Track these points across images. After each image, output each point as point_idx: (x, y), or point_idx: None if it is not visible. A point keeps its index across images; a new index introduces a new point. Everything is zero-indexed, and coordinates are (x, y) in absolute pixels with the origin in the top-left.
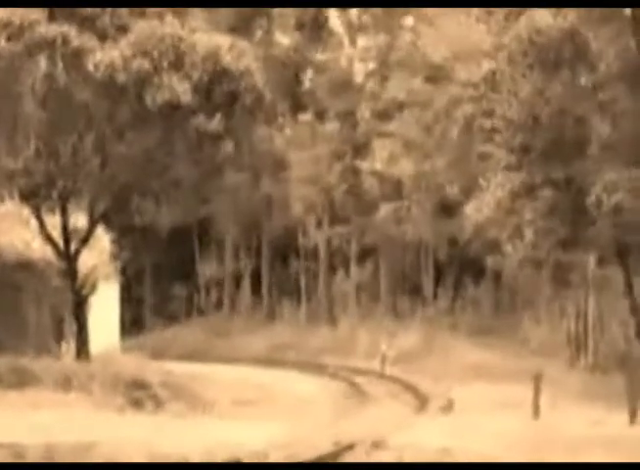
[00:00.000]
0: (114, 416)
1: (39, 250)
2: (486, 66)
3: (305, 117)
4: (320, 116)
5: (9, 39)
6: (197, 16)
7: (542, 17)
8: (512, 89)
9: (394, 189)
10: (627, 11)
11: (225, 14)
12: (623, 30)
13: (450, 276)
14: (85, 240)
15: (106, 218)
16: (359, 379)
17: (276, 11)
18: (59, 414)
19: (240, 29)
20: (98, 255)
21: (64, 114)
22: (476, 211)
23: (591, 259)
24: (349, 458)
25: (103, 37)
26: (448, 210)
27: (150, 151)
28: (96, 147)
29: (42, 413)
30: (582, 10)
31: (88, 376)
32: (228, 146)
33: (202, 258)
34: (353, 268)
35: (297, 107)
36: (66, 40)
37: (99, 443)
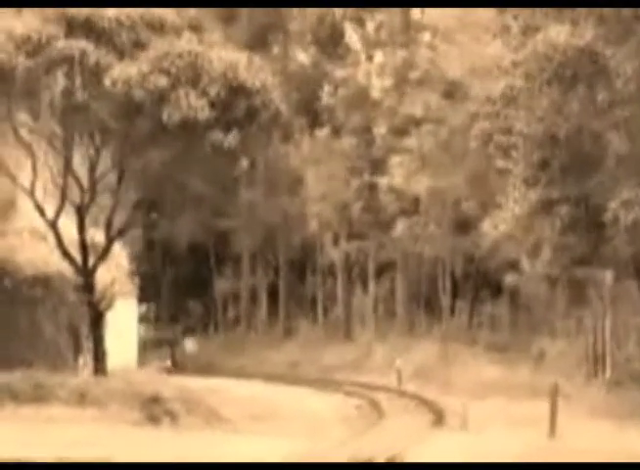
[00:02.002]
0: (130, 431)
1: (56, 265)
2: (503, 82)
3: (322, 133)
4: (337, 132)
5: (27, 55)
6: (214, 32)
7: (559, 33)
8: (529, 105)
9: (411, 205)
10: None
11: (241, 29)
12: None
13: (467, 292)
14: (102, 255)
15: (123, 234)
16: (375, 395)
17: (292, 26)
18: (75, 430)
19: (256, 45)
20: (115, 270)
21: (81, 129)
22: (493, 228)
23: (608, 276)
24: None
25: (120, 53)
26: (465, 226)
27: (167, 166)
28: (113, 162)
29: (58, 429)
30: (600, 27)
31: (104, 391)
32: (245, 162)
33: (219, 274)
34: (370, 284)
35: (314, 123)
36: (84, 56)
37: (114, 458)
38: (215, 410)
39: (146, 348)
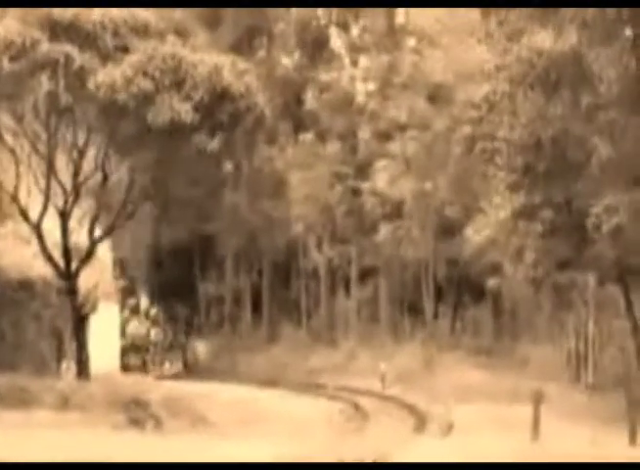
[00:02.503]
0: (113, 435)
1: (40, 269)
2: (487, 86)
3: (306, 137)
4: (321, 136)
5: (12, 59)
6: (198, 35)
7: (543, 38)
8: (513, 110)
9: (395, 209)
10: (628, 31)
11: (226, 33)
12: (624, 51)
13: (450, 296)
14: (86, 259)
15: (107, 237)
16: (359, 399)
17: (277, 30)
18: (58, 434)
19: (241, 49)
20: (99, 274)
21: (65, 132)
22: (476, 232)
23: (591, 280)
24: None
25: (104, 57)
26: (449, 230)
27: (151, 169)
28: (96, 165)
29: (41, 433)
30: (584, 30)
31: (88, 395)
32: (229, 165)
33: (203, 278)
34: (354, 288)
35: (299, 127)
36: (68, 60)
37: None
38: (200, 414)
39: (156, 351)
